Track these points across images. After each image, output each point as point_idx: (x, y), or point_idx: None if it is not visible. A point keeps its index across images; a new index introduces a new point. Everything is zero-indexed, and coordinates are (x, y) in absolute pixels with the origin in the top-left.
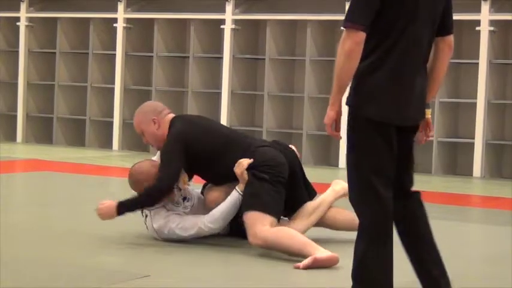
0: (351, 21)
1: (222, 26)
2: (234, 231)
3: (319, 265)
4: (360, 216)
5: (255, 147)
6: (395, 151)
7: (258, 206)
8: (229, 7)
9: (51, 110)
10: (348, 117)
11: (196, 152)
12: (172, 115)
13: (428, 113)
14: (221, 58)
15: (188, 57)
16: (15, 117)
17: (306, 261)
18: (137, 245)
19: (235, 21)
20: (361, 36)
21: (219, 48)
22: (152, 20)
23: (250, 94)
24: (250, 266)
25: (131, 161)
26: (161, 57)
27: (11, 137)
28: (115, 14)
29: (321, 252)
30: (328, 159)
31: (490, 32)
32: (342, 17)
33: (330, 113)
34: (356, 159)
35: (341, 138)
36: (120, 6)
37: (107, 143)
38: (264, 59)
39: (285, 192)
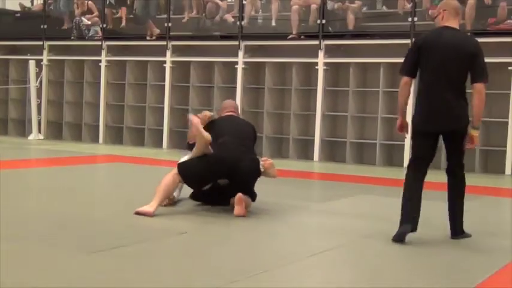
0: (400, 71)
1: (235, 66)
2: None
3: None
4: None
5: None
6: (434, 146)
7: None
8: (240, 53)
9: (122, 121)
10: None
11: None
12: (226, 114)
13: (473, 131)
14: (235, 87)
15: (213, 86)
16: (98, 126)
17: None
18: (175, 208)
19: (244, 63)
20: (405, 79)
21: (234, 81)
22: (189, 62)
23: (254, 111)
24: (277, 229)
25: (175, 156)
26: (195, 86)
27: (95, 139)
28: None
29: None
30: (306, 154)
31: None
32: (316, 60)
33: (397, 122)
34: (412, 147)
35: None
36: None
37: (159, 144)
38: (264, 88)
39: (216, 175)
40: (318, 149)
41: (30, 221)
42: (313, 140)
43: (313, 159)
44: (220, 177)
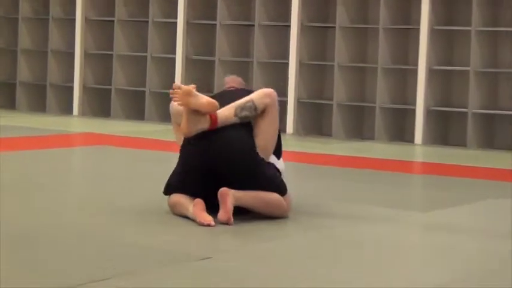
0: None
1: None
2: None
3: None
4: None
5: None
6: None
7: None
8: None
9: (109, 81)
10: None
11: None
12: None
13: None
14: (288, 26)
15: (253, 25)
16: (71, 88)
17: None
18: (195, 225)
19: None
20: None
21: (287, 16)
22: None
23: (319, 65)
24: (354, 252)
25: None
26: (225, 25)
27: (67, 109)
28: None
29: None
30: (402, 134)
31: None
32: None
33: None
34: None
35: None
36: None
37: (167, 116)
38: (334, 27)
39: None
40: (420, 125)
41: None
42: (414, 110)
43: (412, 141)
44: (208, 166)
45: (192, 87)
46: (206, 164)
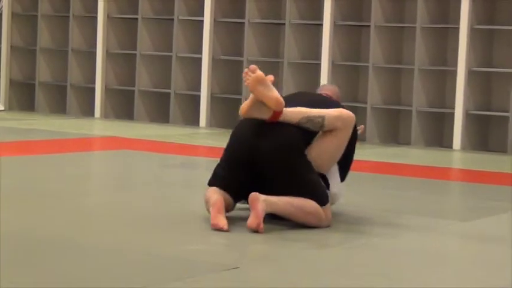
0: None
1: None
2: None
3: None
4: None
5: None
6: None
7: None
8: None
9: (132, 82)
10: None
11: None
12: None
13: None
14: (321, 25)
15: (284, 24)
16: (93, 89)
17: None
18: (224, 233)
19: None
20: None
21: (319, 14)
22: None
23: (353, 66)
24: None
25: (220, 139)
26: (254, 23)
27: (89, 112)
28: None
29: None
30: (440, 139)
31: None
32: None
33: None
34: None
35: None
36: None
37: (193, 119)
38: (369, 25)
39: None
40: (459, 130)
41: None
42: (452, 113)
43: (451, 146)
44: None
45: (268, 77)
46: (248, 150)
